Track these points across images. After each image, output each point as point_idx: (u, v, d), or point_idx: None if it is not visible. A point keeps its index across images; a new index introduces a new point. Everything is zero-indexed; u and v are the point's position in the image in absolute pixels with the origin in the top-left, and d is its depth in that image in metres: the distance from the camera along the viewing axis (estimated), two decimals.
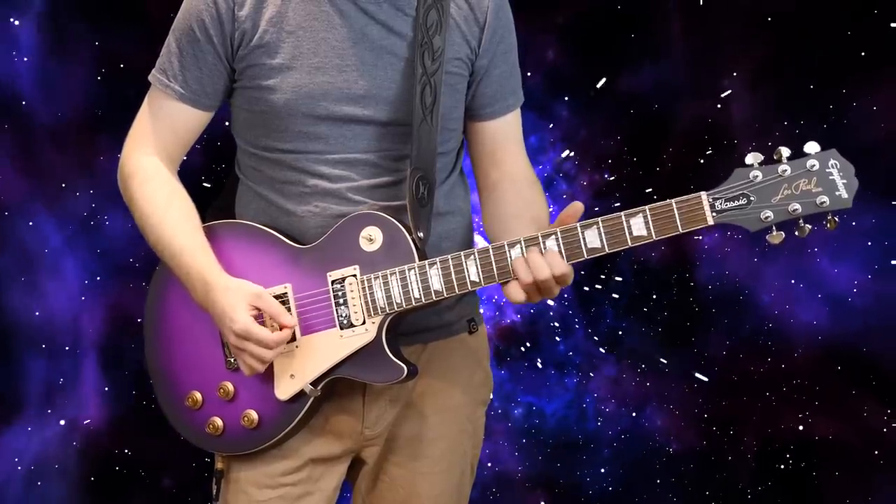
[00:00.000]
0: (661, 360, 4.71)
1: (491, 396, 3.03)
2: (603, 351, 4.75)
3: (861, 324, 4.50)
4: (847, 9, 4.39)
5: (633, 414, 4.73)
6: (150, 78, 2.79)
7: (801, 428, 4.58)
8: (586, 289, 4.74)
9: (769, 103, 4.49)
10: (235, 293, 2.62)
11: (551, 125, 4.60)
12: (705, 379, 4.66)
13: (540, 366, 4.78)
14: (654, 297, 4.72)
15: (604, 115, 4.67)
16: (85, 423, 4.72)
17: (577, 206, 2.57)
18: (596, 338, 4.77)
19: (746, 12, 4.48)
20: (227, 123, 2.86)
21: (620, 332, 4.75)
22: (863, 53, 4.39)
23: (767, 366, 4.61)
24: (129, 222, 4.51)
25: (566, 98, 4.60)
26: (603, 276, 4.73)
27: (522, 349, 4.76)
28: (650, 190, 4.59)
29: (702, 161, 4.51)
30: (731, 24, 4.51)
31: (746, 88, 4.52)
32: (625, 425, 4.75)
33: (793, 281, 4.55)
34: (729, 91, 4.53)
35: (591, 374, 4.77)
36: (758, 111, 4.50)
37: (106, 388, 4.70)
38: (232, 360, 2.73)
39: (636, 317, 4.73)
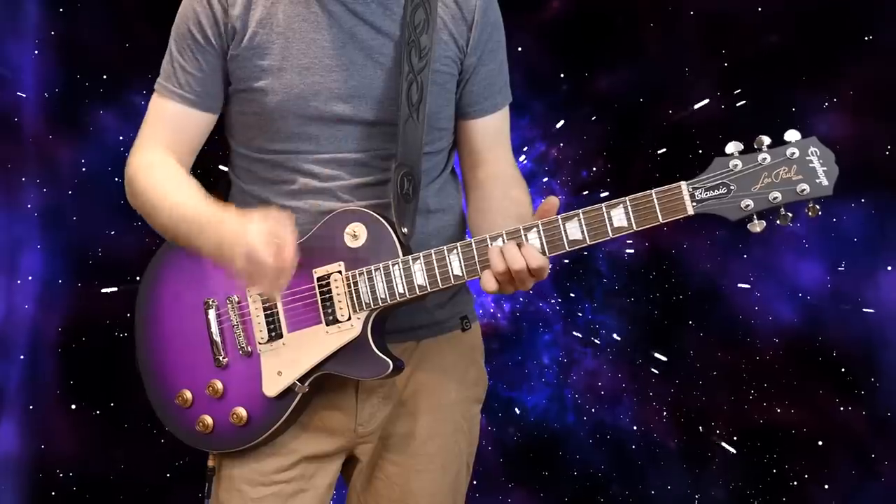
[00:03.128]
0: (640, 354, 4.77)
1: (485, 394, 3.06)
2: (580, 344, 4.80)
3: (831, 319, 4.57)
4: (821, 11, 4.45)
5: (611, 407, 4.77)
6: (155, 85, 2.86)
7: (775, 420, 4.64)
8: (568, 284, 4.79)
9: (744, 103, 4.54)
10: (244, 224, 2.59)
11: (528, 123, 4.69)
12: (680, 371, 4.72)
13: (521, 360, 4.84)
14: (632, 291, 4.77)
15: (581, 113, 4.73)
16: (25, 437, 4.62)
17: (553, 201, 2.61)
18: (574, 332, 4.82)
19: (723, 13, 4.55)
20: None
21: (598, 327, 4.80)
22: (833, 55, 4.46)
23: (743, 359, 4.68)
24: (86, 218, 4.48)
25: (543, 96, 4.68)
26: (581, 272, 4.79)
27: (501, 344, 4.79)
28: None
29: (679, 161, 4.54)
30: (707, 25, 4.56)
31: (721, 89, 4.57)
32: (603, 419, 4.79)
33: (767, 276, 4.61)
34: (704, 91, 4.59)
35: (570, 369, 4.82)
36: (732, 112, 4.56)
37: (30, 402, 4.61)
38: (221, 357, 2.78)
39: (614, 311, 4.78)
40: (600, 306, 4.79)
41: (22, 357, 4.58)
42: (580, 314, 4.80)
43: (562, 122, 4.74)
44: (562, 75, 4.71)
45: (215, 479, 2.86)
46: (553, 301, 4.82)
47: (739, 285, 4.64)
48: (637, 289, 4.76)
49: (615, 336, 4.77)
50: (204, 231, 2.65)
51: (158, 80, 2.85)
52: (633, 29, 4.65)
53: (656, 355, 4.75)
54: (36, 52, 4.52)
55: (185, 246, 2.73)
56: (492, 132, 2.93)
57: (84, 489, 4.66)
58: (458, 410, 2.95)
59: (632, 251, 4.72)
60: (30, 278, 4.57)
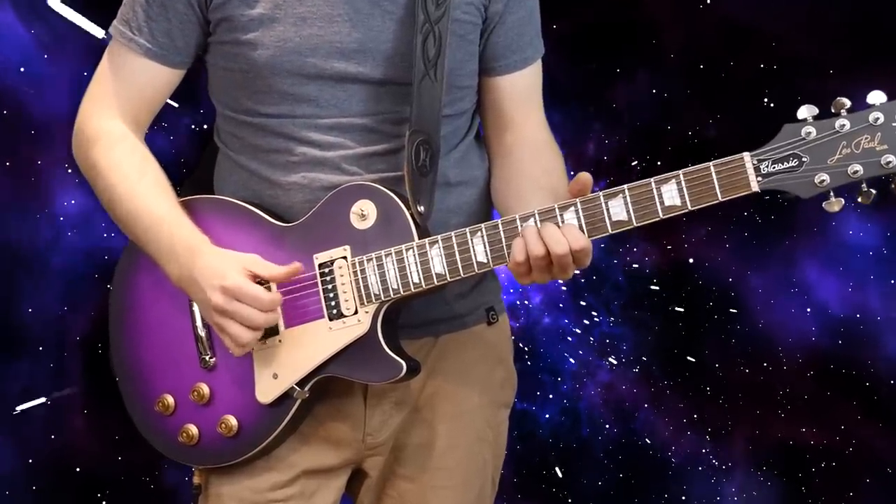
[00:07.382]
0: (655, 366, 4.70)
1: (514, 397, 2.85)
2: (597, 357, 4.73)
3: (861, 335, 4.50)
4: (846, 18, 4.35)
5: (626, 421, 4.72)
6: (110, 30, 2.62)
7: (792, 436, 4.61)
8: (586, 295, 4.71)
9: (767, 113, 4.42)
10: (229, 257, 2.46)
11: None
12: (699, 386, 4.68)
13: (536, 372, 4.74)
14: (648, 303, 4.69)
15: (601, 123, 4.65)
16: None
17: (586, 177, 2.34)
18: (590, 344, 4.74)
19: (745, 23, 4.45)
20: None
21: (614, 339, 4.73)
22: (861, 62, 4.31)
23: (760, 374, 4.62)
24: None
25: (563, 106, 4.57)
26: (597, 281, 4.71)
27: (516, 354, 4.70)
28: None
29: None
30: (728, 35, 4.48)
31: (742, 98, 4.45)
32: (618, 432, 4.73)
33: (787, 290, 4.56)
34: (725, 100, 4.50)
35: (585, 381, 4.75)
36: (755, 122, 4.40)
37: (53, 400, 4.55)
38: (207, 356, 2.55)
39: (630, 323, 4.71)
40: (620, 319, 4.72)
41: (45, 355, 4.56)
42: (598, 327, 4.73)
43: (582, 132, 4.64)
44: (581, 85, 4.61)
45: (201, 497, 2.62)
46: (570, 312, 4.73)
47: (764, 299, 4.58)
48: (658, 302, 4.68)
49: (634, 350, 4.70)
50: (174, 247, 2.47)
51: (115, 22, 2.59)
52: (654, 38, 4.56)
53: (677, 370, 4.68)
54: (71, 63, 4.45)
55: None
56: (521, 90, 2.67)
57: (100, 487, 4.59)
58: (482, 416, 2.71)
59: (651, 263, 4.64)
60: (57, 278, 4.56)
